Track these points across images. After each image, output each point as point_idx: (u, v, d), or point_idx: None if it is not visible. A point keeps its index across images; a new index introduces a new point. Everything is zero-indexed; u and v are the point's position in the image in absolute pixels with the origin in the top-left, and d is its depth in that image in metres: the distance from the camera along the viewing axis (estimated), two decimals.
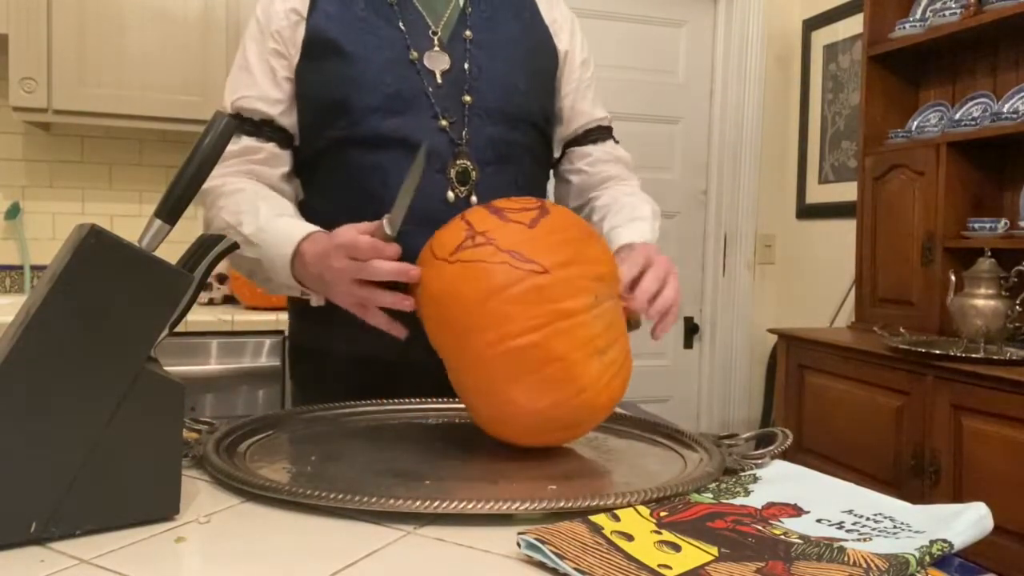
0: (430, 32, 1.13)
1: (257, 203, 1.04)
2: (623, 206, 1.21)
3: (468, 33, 1.15)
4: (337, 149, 1.12)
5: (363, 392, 1.04)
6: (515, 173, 1.15)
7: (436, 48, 1.12)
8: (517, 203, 0.84)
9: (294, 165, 1.18)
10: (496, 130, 1.13)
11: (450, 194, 1.09)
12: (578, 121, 1.27)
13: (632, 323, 0.86)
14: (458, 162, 1.10)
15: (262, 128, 1.12)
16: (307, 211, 1.13)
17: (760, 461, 0.79)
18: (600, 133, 1.29)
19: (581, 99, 1.27)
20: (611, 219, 1.17)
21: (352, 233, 0.88)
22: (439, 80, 1.11)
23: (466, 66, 1.13)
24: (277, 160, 1.14)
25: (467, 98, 1.12)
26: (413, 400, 1.02)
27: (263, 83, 1.13)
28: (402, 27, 1.12)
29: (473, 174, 1.10)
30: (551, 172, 1.31)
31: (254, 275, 1.07)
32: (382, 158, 1.09)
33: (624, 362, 0.83)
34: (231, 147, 1.10)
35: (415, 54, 1.11)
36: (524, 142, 1.17)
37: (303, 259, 0.96)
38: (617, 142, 1.32)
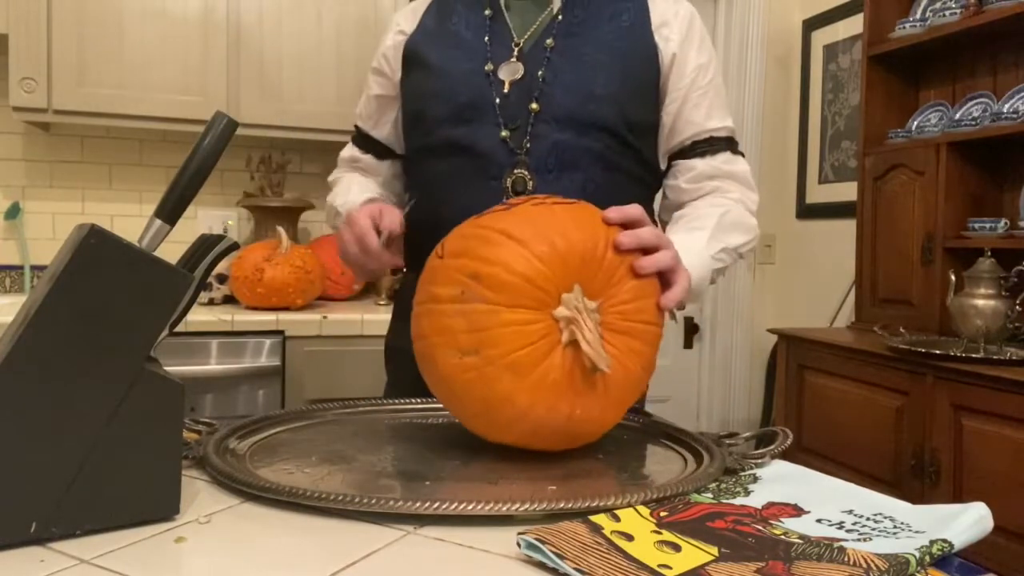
0: (512, 43, 1.15)
1: (351, 185, 1.27)
2: (689, 215, 1.14)
3: (549, 41, 1.14)
4: (418, 158, 1.20)
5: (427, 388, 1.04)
6: (582, 180, 1.10)
7: (513, 58, 1.14)
8: (529, 198, 0.85)
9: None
10: (562, 136, 1.11)
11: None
12: (685, 132, 1.17)
13: (592, 366, 0.76)
14: (515, 171, 1.10)
15: (364, 141, 1.31)
16: (409, 221, 1.22)
17: (760, 461, 0.79)
18: (710, 145, 1.18)
19: (692, 108, 1.16)
20: (672, 228, 1.12)
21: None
22: (506, 89, 1.12)
23: (540, 73, 1.12)
24: (374, 169, 1.31)
25: (534, 106, 1.12)
26: (413, 400, 1.02)
27: (366, 102, 1.29)
28: (487, 40, 1.15)
29: (529, 183, 1.10)
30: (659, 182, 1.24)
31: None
32: (445, 166, 1.14)
33: (497, 379, 0.75)
34: (344, 154, 1.36)
35: (491, 65, 1.14)
36: (595, 148, 1.12)
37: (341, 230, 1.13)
38: (740, 154, 1.21)
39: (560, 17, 1.16)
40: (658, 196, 1.26)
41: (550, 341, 0.76)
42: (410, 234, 1.23)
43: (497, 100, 1.12)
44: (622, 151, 1.15)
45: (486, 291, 0.75)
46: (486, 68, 1.13)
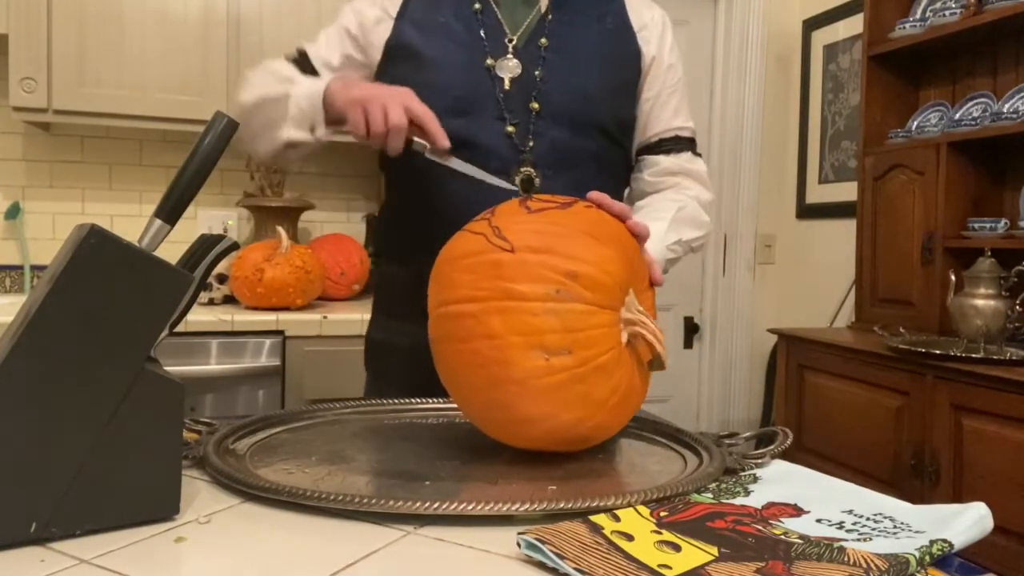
0: (506, 40, 1.16)
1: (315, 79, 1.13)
2: (648, 207, 1.19)
3: (543, 41, 1.16)
4: (408, 150, 1.16)
5: (420, 387, 1.04)
6: (577, 179, 1.12)
7: (509, 55, 1.15)
8: (554, 197, 0.84)
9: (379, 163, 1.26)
10: (560, 135, 1.13)
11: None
12: (653, 129, 1.24)
13: (655, 363, 0.81)
14: (522, 169, 1.12)
15: (310, 67, 1.18)
16: (389, 211, 1.24)
17: (760, 461, 0.79)
18: (675, 143, 1.24)
19: (661, 107, 1.23)
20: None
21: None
22: (507, 86, 1.13)
23: (537, 73, 1.14)
24: None
25: (534, 105, 1.13)
26: (413, 400, 1.02)
27: (336, 37, 1.19)
28: (482, 34, 1.15)
29: (536, 181, 1.12)
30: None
31: (263, 123, 1.11)
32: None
33: (586, 380, 0.74)
34: (274, 66, 1.18)
35: (490, 61, 1.14)
36: (590, 148, 1.15)
37: (344, 80, 1.06)
38: (699, 155, 1.28)
39: (550, 16, 1.17)
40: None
41: (620, 343, 0.78)
42: (399, 224, 1.24)
43: (501, 95, 1.13)
44: (613, 151, 1.19)
45: (584, 291, 0.74)
46: (486, 63, 1.14)
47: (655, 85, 1.22)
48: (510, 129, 1.12)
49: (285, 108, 1.09)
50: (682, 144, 1.25)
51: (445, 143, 0.98)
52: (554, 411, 0.75)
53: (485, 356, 0.74)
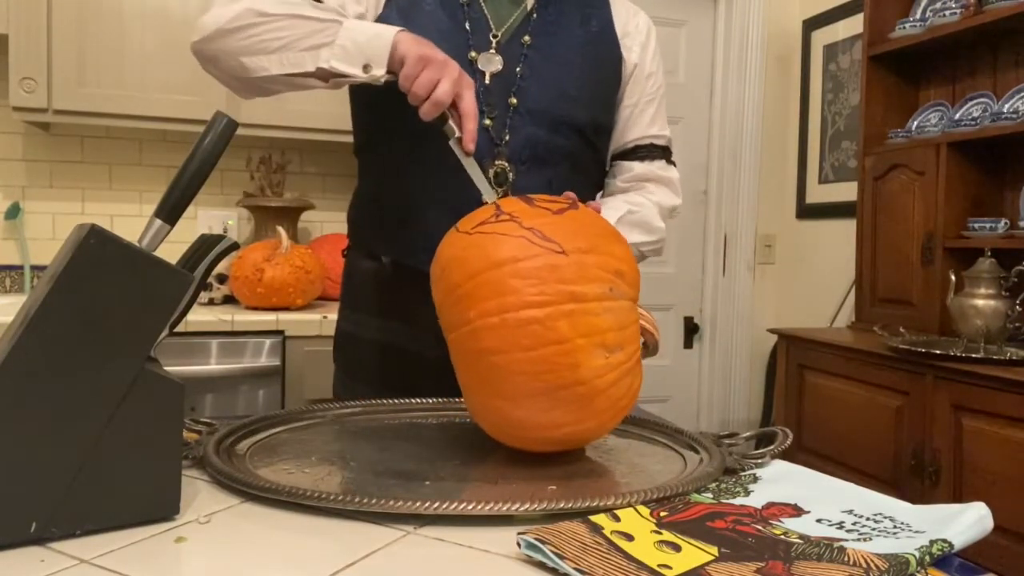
0: (491, 35, 1.15)
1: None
2: (600, 206, 1.17)
3: (527, 39, 1.15)
4: (385, 138, 1.16)
5: (391, 381, 1.04)
6: (550, 176, 1.13)
7: (492, 50, 1.14)
8: (550, 197, 0.84)
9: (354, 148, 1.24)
10: (536, 131, 1.13)
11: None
12: (629, 135, 1.25)
13: (649, 348, 0.85)
14: (496, 163, 1.12)
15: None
16: (360, 197, 1.23)
17: (760, 461, 0.79)
18: (650, 151, 1.26)
19: (639, 114, 1.25)
20: None
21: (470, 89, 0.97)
22: (488, 81, 1.13)
23: (518, 69, 1.14)
24: None
25: (513, 100, 1.13)
26: (413, 400, 1.02)
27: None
28: (467, 27, 1.14)
29: (510, 175, 1.12)
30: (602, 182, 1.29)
31: (281, 39, 0.99)
32: (419, 150, 1.11)
33: (632, 373, 0.78)
34: None
35: (473, 54, 1.13)
36: (565, 146, 1.16)
37: (412, 34, 0.98)
38: (672, 163, 1.29)
39: (535, 15, 1.17)
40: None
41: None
42: (369, 214, 1.22)
43: (481, 89, 1.12)
44: (588, 153, 1.20)
45: (627, 288, 0.77)
46: (469, 56, 1.13)
47: (635, 92, 1.24)
48: (487, 123, 1.12)
49: (329, 35, 0.98)
50: (656, 152, 1.26)
51: (471, 147, 0.97)
52: (609, 405, 0.77)
53: (552, 362, 0.72)
